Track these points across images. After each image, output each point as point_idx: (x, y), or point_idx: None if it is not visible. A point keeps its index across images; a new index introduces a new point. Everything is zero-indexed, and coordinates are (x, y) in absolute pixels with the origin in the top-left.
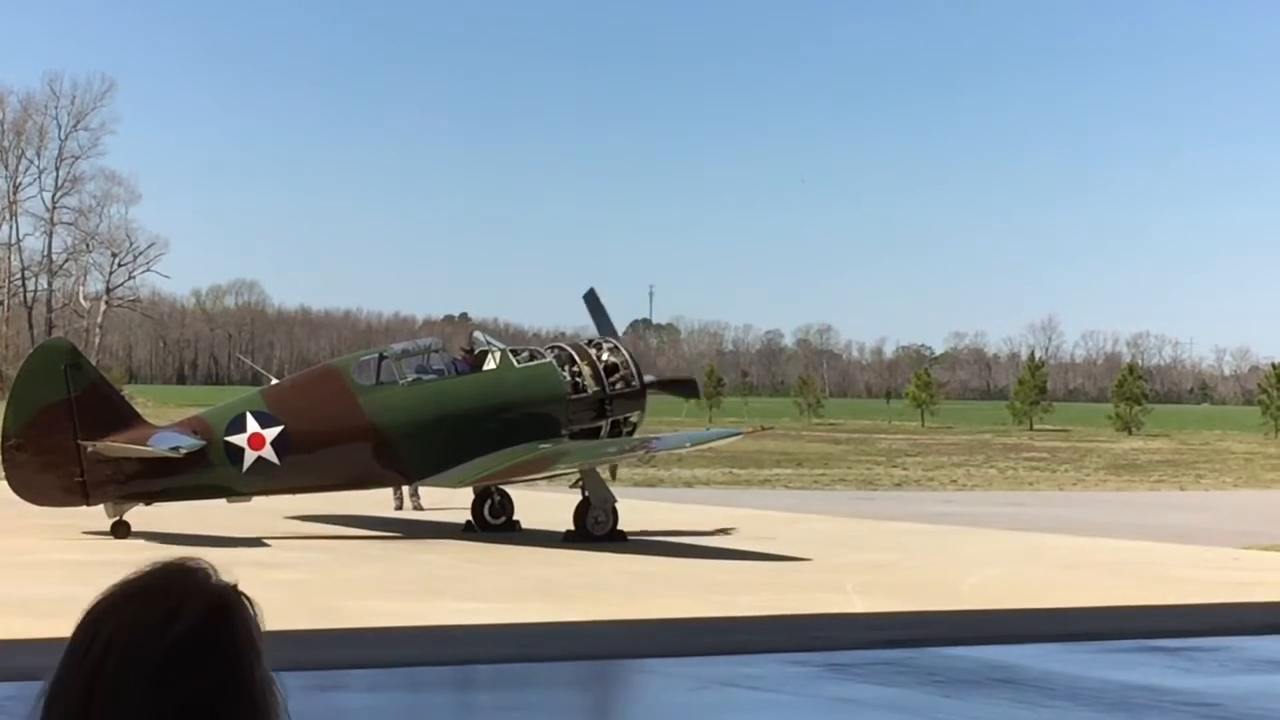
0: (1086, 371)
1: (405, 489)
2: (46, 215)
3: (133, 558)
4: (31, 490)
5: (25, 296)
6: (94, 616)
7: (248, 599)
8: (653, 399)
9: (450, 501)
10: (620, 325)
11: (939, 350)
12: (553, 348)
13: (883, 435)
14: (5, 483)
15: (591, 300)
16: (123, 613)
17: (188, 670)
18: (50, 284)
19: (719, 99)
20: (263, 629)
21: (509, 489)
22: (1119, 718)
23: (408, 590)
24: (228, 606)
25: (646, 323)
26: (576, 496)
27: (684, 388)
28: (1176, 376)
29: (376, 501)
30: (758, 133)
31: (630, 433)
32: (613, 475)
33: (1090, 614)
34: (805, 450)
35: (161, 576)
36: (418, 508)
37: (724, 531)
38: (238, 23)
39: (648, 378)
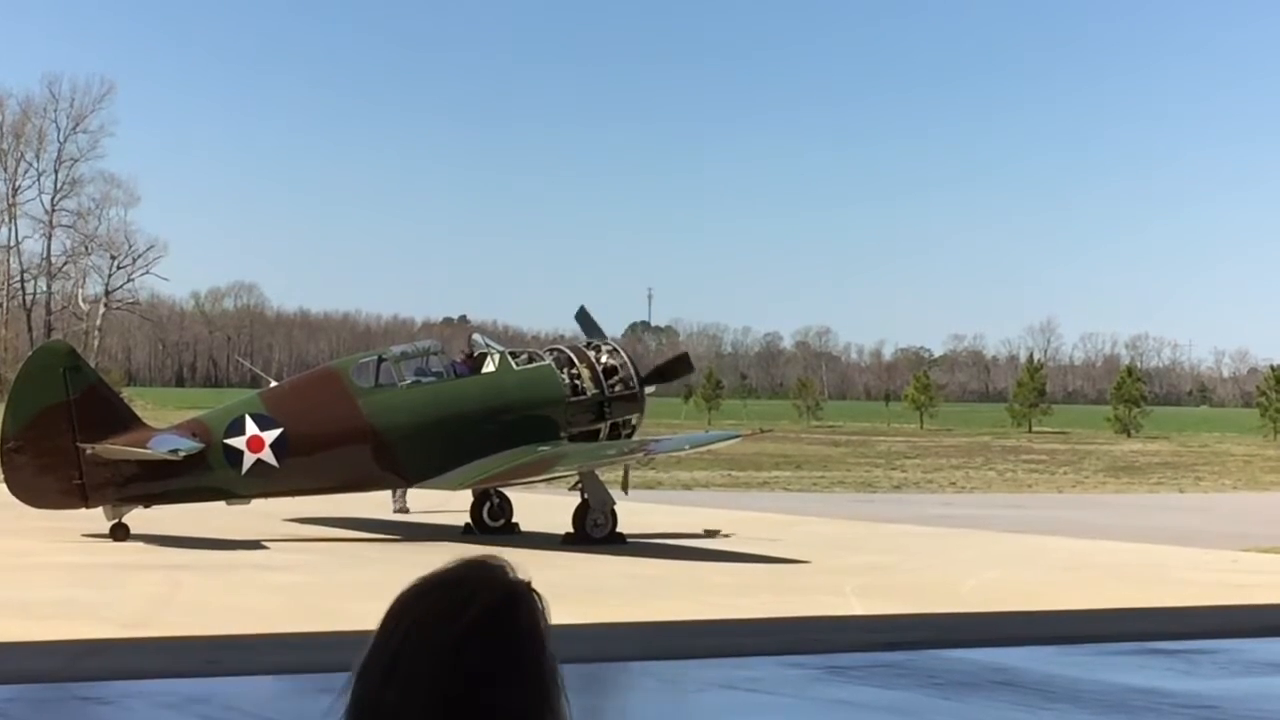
0: (1085, 374)
1: (396, 490)
2: (45, 218)
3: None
4: (30, 493)
5: (24, 299)
6: (399, 605)
7: (538, 594)
8: (652, 401)
9: (447, 504)
10: (619, 327)
11: (938, 352)
12: (552, 350)
13: (882, 438)
14: (4, 485)
15: (583, 318)
16: (424, 600)
17: (477, 649)
18: (49, 286)
19: (718, 101)
20: (550, 622)
21: (508, 491)
22: None
23: None
24: (518, 597)
25: (645, 325)
26: (576, 499)
27: (677, 367)
28: (1175, 379)
29: (375, 504)
30: (756, 135)
31: (629, 435)
32: (625, 489)
33: (1089, 616)
34: (804, 453)
35: (462, 570)
36: (403, 509)
37: (723, 534)
38: (236, 25)
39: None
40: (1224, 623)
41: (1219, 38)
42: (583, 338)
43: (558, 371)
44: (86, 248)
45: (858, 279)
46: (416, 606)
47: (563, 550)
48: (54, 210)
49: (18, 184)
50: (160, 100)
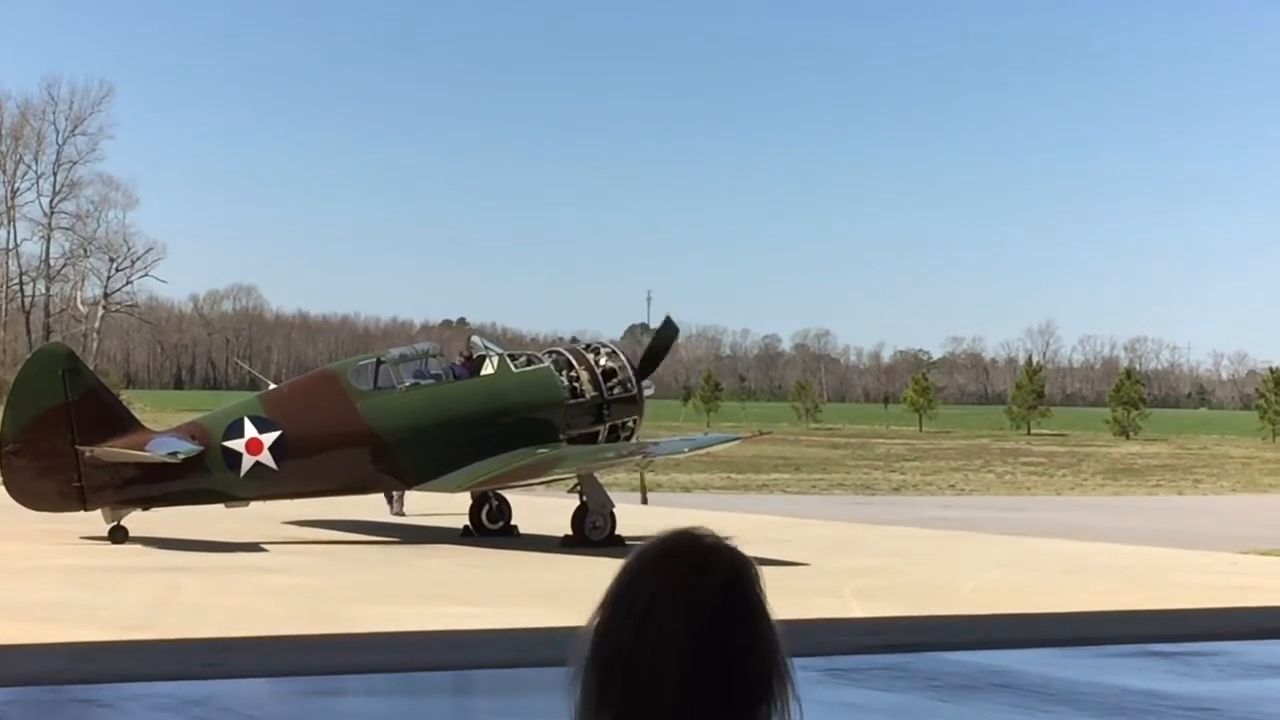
0: (1084, 376)
1: (394, 494)
2: (44, 220)
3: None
4: (29, 495)
5: (23, 301)
6: (631, 577)
7: (752, 560)
8: (651, 404)
9: (444, 507)
10: (617, 330)
11: (937, 355)
12: (551, 353)
13: (881, 440)
14: (3, 487)
15: (667, 329)
16: (660, 571)
17: (720, 613)
18: (48, 289)
19: (717, 102)
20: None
21: (507, 494)
22: None
23: (405, 595)
24: (744, 563)
25: (644, 327)
26: (574, 501)
27: (663, 335)
28: (1174, 381)
29: (374, 506)
30: (755, 137)
31: (628, 438)
32: (644, 499)
33: (1088, 618)
34: (803, 455)
35: (684, 541)
36: (400, 513)
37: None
38: (235, 27)
39: (647, 387)
40: (1223, 625)
41: (1218, 40)
42: (586, 327)
43: (556, 374)
44: (85, 250)
45: (857, 281)
46: (657, 574)
47: (561, 552)
48: (53, 212)
49: (16, 186)
50: (159, 102)
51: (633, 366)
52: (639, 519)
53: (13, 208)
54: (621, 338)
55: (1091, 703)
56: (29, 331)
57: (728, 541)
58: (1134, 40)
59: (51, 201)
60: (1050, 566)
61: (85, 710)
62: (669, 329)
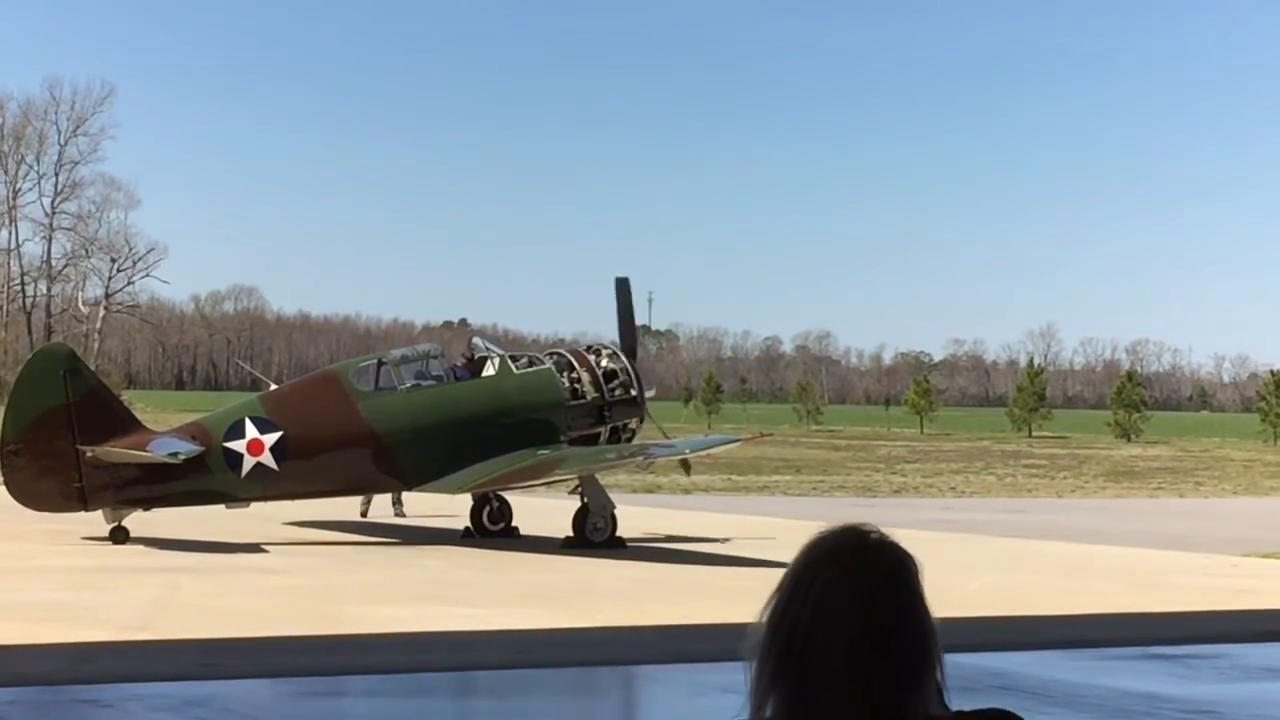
0: (1085, 378)
1: (388, 496)
2: (46, 220)
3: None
4: (30, 496)
5: (24, 302)
6: (809, 566)
7: (913, 556)
8: (651, 406)
9: (444, 508)
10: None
11: (938, 357)
12: (552, 354)
13: (882, 442)
14: (4, 488)
15: (621, 289)
16: (836, 563)
17: (886, 603)
18: (49, 289)
19: (717, 103)
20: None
21: (507, 495)
22: None
23: (406, 596)
24: (907, 557)
25: (645, 328)
26: (575, 503)
27: (621, 296)
28: (1175, 383)
29: (375, 507)
30: (756, 138)
31: (629, 439)
32: (687, 471)
33: (1089, 621)
34: (804, 457)
35: (855, 537)
36: (399, 514)
37: (723, 538)
38: (236, 28)
39: (648, 390)
40: (1224, 627)
41: (1218, 40)
42: (587, 329)
43: (558, 375)
44: (87, 250)
45: (858, 283)
46: (833, 565)
47: (562, 554)
48: (54, 213)
49: (18, 187)
50: (161, 103)
51: (634, 368)
52: (640, 521)
53: (14, 208)
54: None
55: (1092, 705)
56: (30, 332)
57: (891, 538)
58: (1133, 41)
59: (53, 202)
60: (1051, 569)
61: (86, 710)
62: (621, 286)
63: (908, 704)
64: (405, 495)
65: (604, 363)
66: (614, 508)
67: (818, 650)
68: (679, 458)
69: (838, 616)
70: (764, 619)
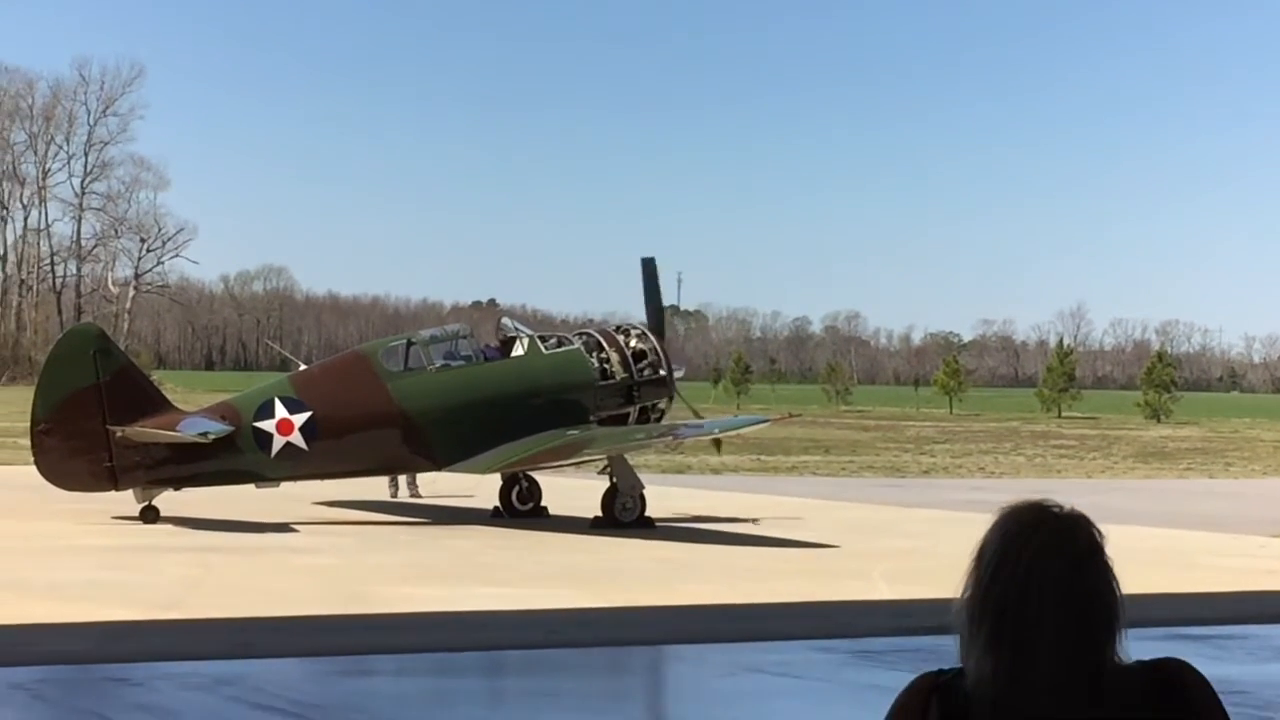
0: (1115, 359)
1: (402, 477)
2: (75, 201)
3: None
4: (60, 475)
5: (54, 282)
6: (1014, 538)
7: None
8: (680, 386)
9: (465, 489)
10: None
11: (967, 337)
12: (581, 334)
13: (911, 422)
14: (35, 467)
15: (648, 269)
16: (1039, 535)
17: (1085, 569)
18: (79, 269)
19: (747, 85)
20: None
21: (536, 475)
22: None
23: (435, 576)
24: (1097, 530)
25: (674, 309)
26: (604, 483)
27: (648, 277)
28: (1205, 364)
29: (403, 488)
30: (785, 119)
31: (658, 419)
32: (718, 448)
33: None
34: (833, 437)
35: (1047, 511)
36: (415, 495)
37: (752, 519)
38: (266, 7)
39: (677, 369)
40: (1253, 608)
41: (1244, 17)
42: (616, 308)
43: (587, 355)
44: (116, 231)
45: (887, 263)
46: (1036, 537)
47: (591, 534)
48: (84, 193)
49: (48, 167)
50: (190, 83)
51: (663, 349)
52: (669, 501)
53: (44, 188)
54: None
55: None
56: (60, 312)
57: (1079, 510)
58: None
59: (83, 182)
60: None
61: (117, 689)
62: (647, 266)
63: (1104, 655)
64: (432, 475)
65: (633, 343)
66: (643, 488)
67: (1030, 613)
68: (710, 437)
69: (1047, 583)
70: (971, 588)
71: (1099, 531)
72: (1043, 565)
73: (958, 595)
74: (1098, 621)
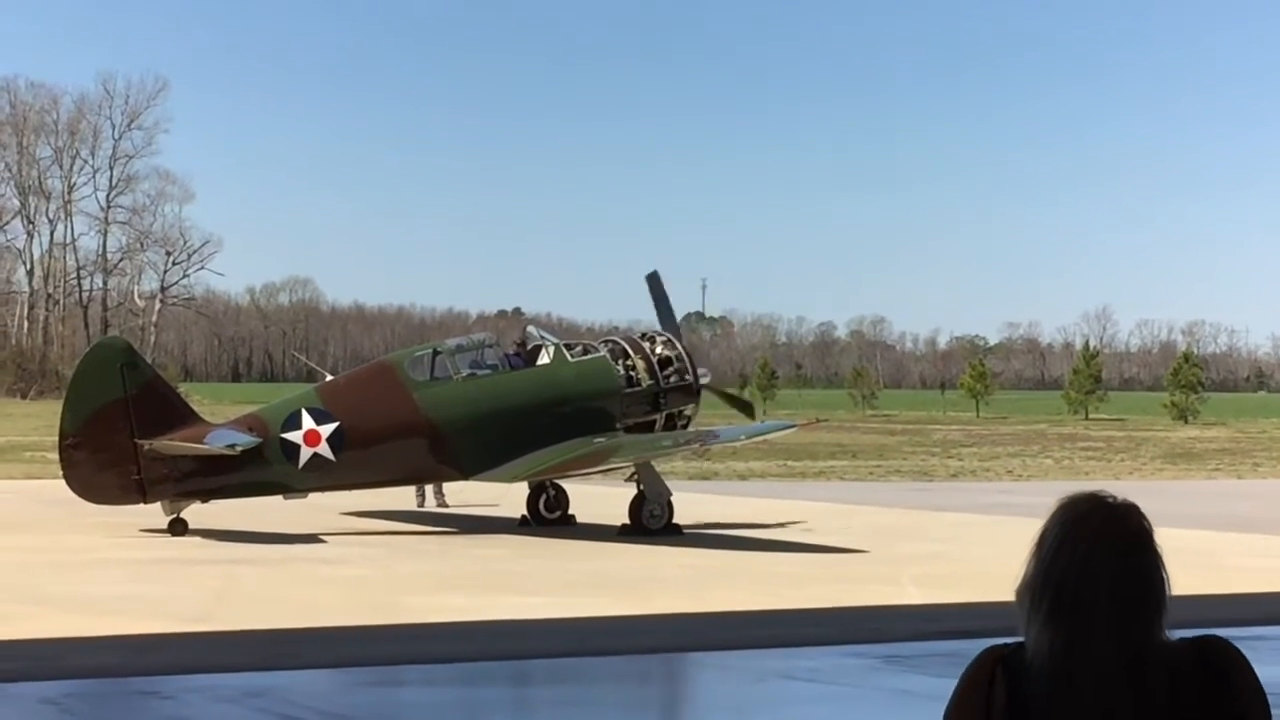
0: (1142, 360)
1: (429, 487)
2: (101, 214)
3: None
4: (89, 489)
5: (81, 296)
6: (1073, 526)
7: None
8: (705, 398)
9: (490, 498)
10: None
11: (993, 341)
12: (606, 341)
13: (937, 426)
14: (63, 481)
15: (654, 282)
16: (1094, 522)
17: (1139, 552)
18: (105, 283)
19: (771, 89)
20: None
21: (564, 483)
22: None
23: (464, 585)
24: (1145, 517)
25: (699, 315)
26: (631, 490)
27: (741, 406)
28: (1232, 364)
29: (429, 498)
30: (810, 124)
31: (685, 427)
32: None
33: None
34: (860, 442)
35: (1103, 502)
36: (442, 504)
37: (780, 524)
38: (290, 22)
39: (704, 375)
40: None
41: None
42: (641, 316)
43: (613, 363)
44: (142, 244)
45: (912, 267)
46: (1091, 524)
47: (619, 541)
48: (109, 207)
49: (73, 181)
50: (214, 96)
51: (689, 355)
52: (697, 507)
53: (70, 202)
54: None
55: None
56: (87, 325)
57: (1130, 500)
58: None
59: (108, 196)
60: None
61: (147, 702)
62: (652, 281)
63: (1152, 632)
64: (459, 485)
65: (659, 350)
66: (670, 495)
67: (1087, 593)
68: (736, 444)
69: (1103, 566)
70: (1033, 570)
71: (1148, 521)
72: (1099, 550)
73: (1020, 577)
74: (1147, 601)
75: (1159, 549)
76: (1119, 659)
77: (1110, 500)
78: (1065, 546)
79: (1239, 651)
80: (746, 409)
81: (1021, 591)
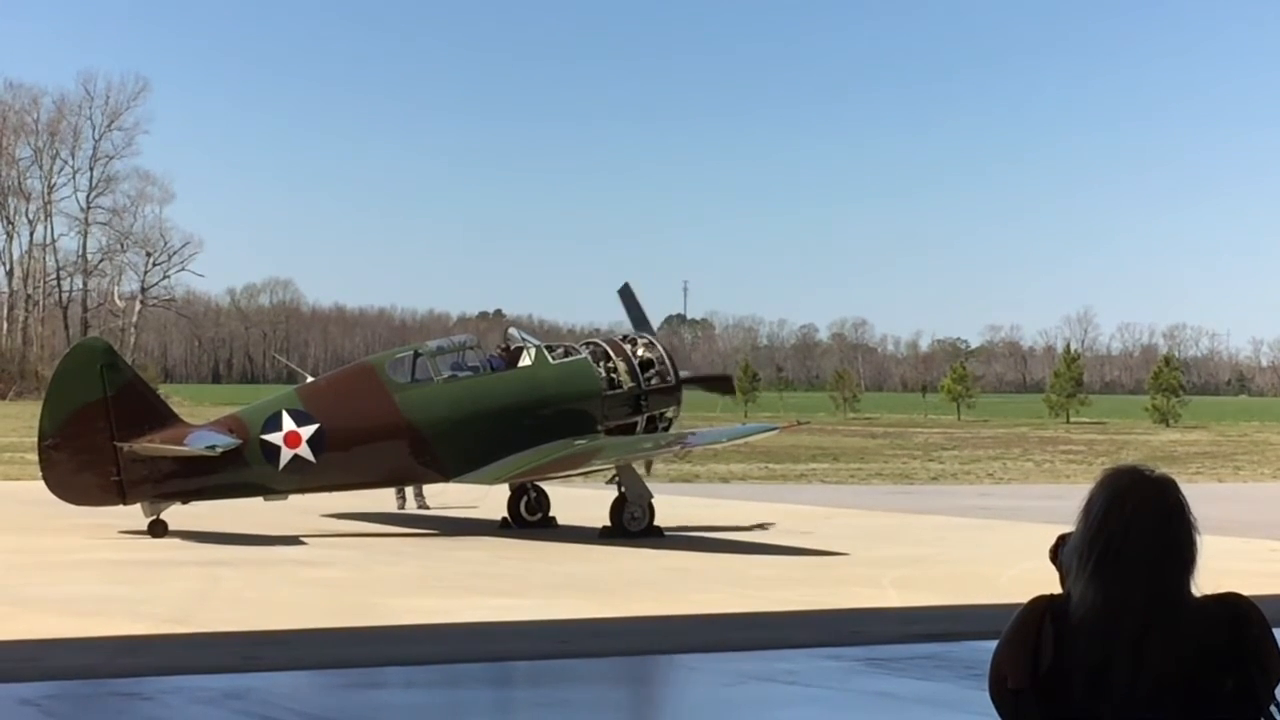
0: (1123, 364)
1: (410, 488)
2: (81, 215)
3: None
4: (68, 490)
5: (61, 296)
6: (1119, 494)
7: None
8: (687, 395)
9: (469, 500)
10: (655, 321)
11: (974, 344)
12: (588, 344)
13: (919, 429)
14: (43, 482)
15: (626, 295)
16: (1137, 491)
17: (1174, 519)
18: (85, 284)
19: (752, 93)
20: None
21: (545, 485)
22: None
23: (444, 587)
24: (1179, 488)
25: (681, 318)
26: (613, 492)
27: (719, 384)
28: (1213, 368)
29: (408, 500)
30: (791, 127)
31: (666, 429)
32: (647, 469)
33: None
34: (841, 445)
35: (1145, 474)
36: (422, 506)
37: (760, 526)
38: (269, 23)
39: (683, 373)
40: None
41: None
42: (623, 318)
43: (594, 365)
44: (122, 245)
45: (894, 270)
46: (1135, 494)
47: (600, 543)
48: (89, 207)
49: (53, 182)
50: (195, 97)
51: (671, 358)
52: (677, 509)
53: (50, 203)
54: (658, 328)
55: None
56: (67, 326)
57: (1166, 473)
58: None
59: (88, 196)
60: None
61: (126, 703)
62: (725, 385)
63: (1184, 589)
64: (440, 487)
65: (640, 352)
66: (651, 497)
67: (1128, 554)
68: (718, 447)
69: (1143, 531)
70: (1081, 532)
71: (1181, 490)
72: (1140, 516)
73: (1071, 535)
74: (1180, 562)
75: (1192, 517)
76: (1153, 608)
77: (1149, 472)
78: (1110, 512)
79: (1258, 609)
80: (725, 383)
81: (1069, 552)
